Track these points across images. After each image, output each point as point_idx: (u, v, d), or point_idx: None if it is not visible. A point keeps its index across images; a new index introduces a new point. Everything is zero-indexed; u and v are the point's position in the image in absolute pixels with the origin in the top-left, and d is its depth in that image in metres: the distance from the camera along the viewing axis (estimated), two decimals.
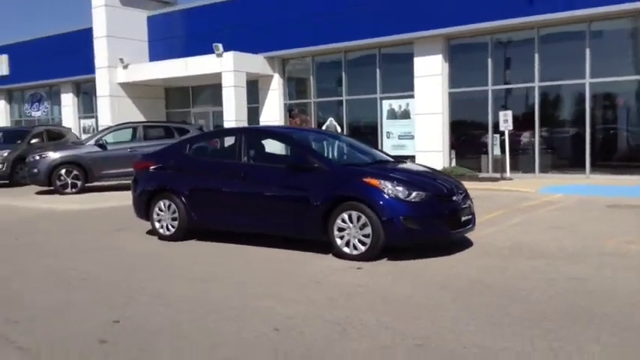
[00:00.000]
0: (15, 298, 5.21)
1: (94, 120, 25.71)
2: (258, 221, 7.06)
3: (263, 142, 7.70)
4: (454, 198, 6.57)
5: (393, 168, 6.99)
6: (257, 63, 19.30)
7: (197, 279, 5.78)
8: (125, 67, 21.43)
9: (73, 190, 14.30)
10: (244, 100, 18.87)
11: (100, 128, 21.79)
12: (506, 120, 14.72)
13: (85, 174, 14.48)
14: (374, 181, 6.34)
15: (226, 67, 18.55)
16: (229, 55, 18.45)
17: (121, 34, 21.76)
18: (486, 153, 16.24)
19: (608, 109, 15.09)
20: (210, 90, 22.17)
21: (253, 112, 19.81)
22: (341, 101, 18.58)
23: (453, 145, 16.72)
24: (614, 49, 14.46)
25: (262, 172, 7.16)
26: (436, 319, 4.36)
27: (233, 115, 18.51)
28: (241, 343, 3.94)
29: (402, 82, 17.12)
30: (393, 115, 17.50)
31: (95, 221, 10.07)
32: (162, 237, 7.89)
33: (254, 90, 19.92)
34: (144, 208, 8.07)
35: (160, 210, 7.88)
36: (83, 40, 23.40)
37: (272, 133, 8.15)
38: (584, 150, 14.66)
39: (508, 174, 14.97)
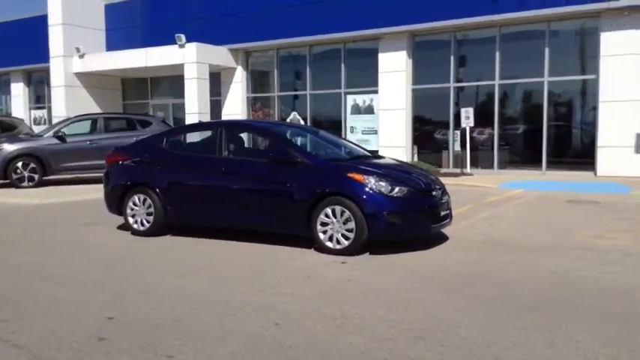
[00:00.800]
0: None
1: (45, 111, 24.99)
2: (240, 216, 7.05)
3: (243, 136, 7.67)
4: (433, 193, 6.72)
5: (374, 163, 7.07)
6: (220, 55, 19.13)
7: (183, 274, 5.74)
8: (81, 56, 20.89)
9: (30, 183, 13.88)
10: (207, 93, 18.70)
11: (53, 119, 21.23)
12: (467, 117, 15.07)
13: (43, 167, 14.06)
14: (358, 177, 6.42)
15: (189, 58, 18.32)
16: (192, 46, 18.23)
17: (77, 22, 21.21)
18: (447, 149, 16.59)
19: (564, 107, 15.65)
20: (170, 81, 21.87)
21: (215, 105, 19.64)
22: (305, 95, 18.62)
23: (416, 141, 16.99)
24: (571, 48, 15.02)
25: (244, 167, 7.13)
26: (429, 311, 4.47)
27: (196, 107, 18.31)
28: (245, 337, 3.95)
29: (366, 77, 17.31)
30: (357, 110, 17.64)
31: (60, 215, 9.83)
32: (135, 232, 7.77)
33: (216, 82, 19.77)
34: (117, 203, 7.94)
35: (135, 205, 7.76)
36: (35, 27, 22.70)
37: (253, 127, 8.13)
38: (540, 147, 15.16)
39: (468, 169, 15.34)
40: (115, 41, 21.94)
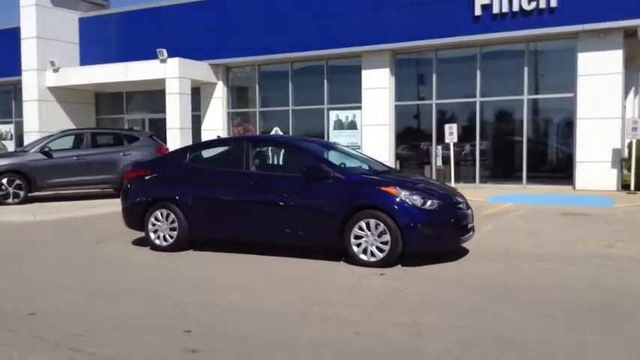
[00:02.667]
0: (56, 313, 5.02)
1: (12, 125, 24.35)
2: (270, 230, 7.14)
3: (270, 151, 7.78)
4: (460, 206, 6.99)
5: (402, 177, 7.30)
6: (201, 70, 19.13)
7: (232, 287, 5.81)
8: (56, 70, 20.50)
9: (16, 200, 13.54)
10: (189, 108, 18.64)
11: (25, 135, 20.75)
12: (451, 132, 15.51)
13: (29, 183, 13.76)
14: (392, 190, 6.63)
15: (171, 73, 18.25)
16: (174, 61, 18.18)
17: (50, 35, 20.83)
18: (429, 163, 17.01)
19: (543, 124, 16.30)
20: (146, 96, 21.69)
21: (195, 120, 19.56)
22: (287, 111, 18.77)
23: (398, 156, 17.36)
24: (550, 67, 15.68)
25: (274, 181, 7.24)
26: (495, 318, 4.69)
27: (178, 122, 18.23)
28: (335, 347, 4.08)
29: (349, 93, 17.60)
30: (340, 125, 17.91)
31: (63, 232, 9.70)
32: (156, 248, 7.76)
33: (196, 97, 19.70)
34: (137, 218, 7.91)
35: (157, 220, 7.76)
36: (4, 40, 22.21)
37: (282, 142, 8.25)
38: (521, 162, 15.73)
39: (452, 184, 15.75)
40: (89, 55, 21.64)
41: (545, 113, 16.14)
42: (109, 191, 15.41)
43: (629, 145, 14.23)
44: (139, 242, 8.46)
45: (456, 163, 16.06)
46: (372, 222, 6.58)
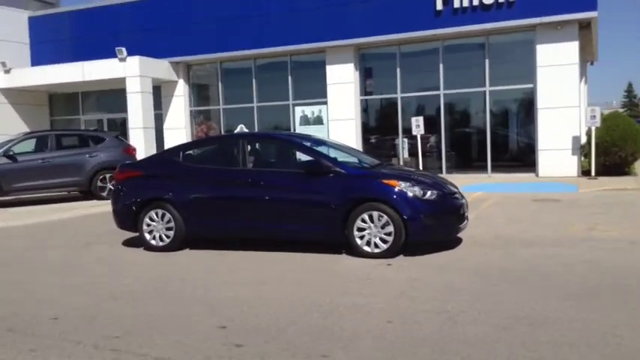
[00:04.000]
0: (79, 317, 4.93)
1: None
2: (271, 226, 7.18)
3: (266, 148, 7.80)
4: (456, 195, 7.21)
5: (399, 170, 7.46)
6: (161, 68, 18.87)
7: (248, 283, 5.83)
8: (7, 71, 19.80)
9: None
10: (151, 107, 18.37)
11: None
12: (418, 125, 15.84)
13: None
14: (393, 182, 6.78)
15: (131, 72, 17.93)
16: (134, 60, 17.86)
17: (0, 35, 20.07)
18: (396, 156, 17.31)
19: (505, 114, 16.83)
20: (103, 96, 21.21)
21: (157, 119, 19.27)
22: (252, 107, 18.72)
23: (365, 150, 17.58)
24: (510, 59, 16.20)
25: (273, 178, 7.27)
26: (515, 302, 4.89)
27: (140, 122, 17.94)
28: (374, 335, 4.19)
29: (314, 88, 17.72)
30: (306, 121, 18.01)
31: (46, 237, 9.44)
32: (152, 248, 7.69)
33: (157, 96, 19.40)
34: (131, 219, 7.80)
35: (152, 220, 7.68)
36: None
37: (278, 139, 8.26)
38: (485, 152, 16.23)
39: None
40: (41, 55, 21.02)
41: (506, 104, 16.69)
42: (75, 194, 15.05)
43: (588, 133, 14.88)
44: (128, 243, 8.36)
45: (423, 155, 16.41)
46: (375, 214, 6.72)
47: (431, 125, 16.68)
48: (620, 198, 11.35)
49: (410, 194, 6.71)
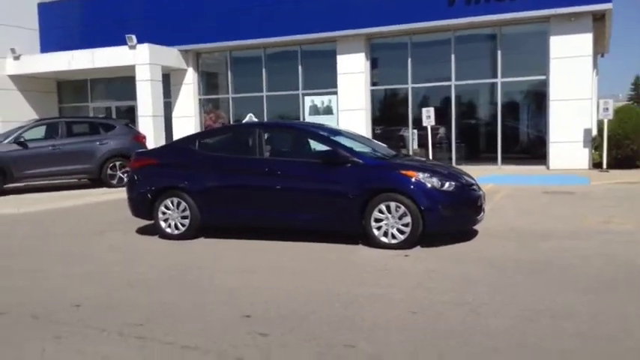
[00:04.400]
0: (100, 304, 4.94)
1: None
2: (287, 216, 7.17)
3: (283, 137, 7.78)
4: (474, 187, 7.18)
5: (416, 160, 7.43)
6: (171, 56, 18.82)
7: (267, 272, 5.84)
8: (17, 57, 19.78)
9: None
10: (161, 95, 18.35)
11: None
12: (428, 116, 15.79)
13: (4, 175, 13.32)
14: (411, 173, 6.76)
15: (141, 59, 17.88)
16: (144, 47, 17.81)
17: (8, 21, 20.01)
18: (405, 147, 17.27)
19: (517, 106, 16.76)
20: (112, 83, 21.18)
21: (166, 107, 19.24)
22: (261, 97, 18.67)
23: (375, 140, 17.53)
24: (523, 51, 16.10)
25: (290, 167, 7.25)
26: (534, 294, 4.88)
27: (150, 109, 17.92)
28: (398, 326, 4.19)
29: (324, 78, 17.65)
30: (315, 111, 17.96)
31: (59, 224, 9.48)
32: (166, 236, 7.70)
33: (166, 84, 19.35)
34: (146, 207, 7.81)
35: (167, 208, 7.68)
36: None
37: (295, 129, 8.22)
38: (495, 143, 16.17)
39: None
40: (50, 42, 20.97)
41: (518, 95, 16.63)
42: (84, 182, 15.07)
43: (600, 125, 14.80)
44: (142, 231, 8.38)
45: (433, 146, 16.36)
46: (393, 205, 6.70)
47: (441, 116, 16.61)
48: (633, 191, 11.30)
49: (428, 185, 6.69)
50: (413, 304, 4.69)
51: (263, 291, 5.17)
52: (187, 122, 19.59)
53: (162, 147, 8.35)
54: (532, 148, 16.41)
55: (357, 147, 7.95)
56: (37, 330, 4.33)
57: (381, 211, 6.75)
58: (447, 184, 6.78)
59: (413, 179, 6.71)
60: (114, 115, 20.92)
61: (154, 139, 17.18)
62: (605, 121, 14.26)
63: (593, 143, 15.32)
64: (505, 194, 11.39)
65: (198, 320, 4.44)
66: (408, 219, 6.65)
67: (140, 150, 8.81)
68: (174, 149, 8.01)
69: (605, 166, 14.26)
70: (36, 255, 7.15)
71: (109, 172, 14.33)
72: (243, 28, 17.92)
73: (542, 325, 4.15)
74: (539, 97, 16.03)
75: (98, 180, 14.43)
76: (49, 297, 5.22)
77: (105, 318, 4.55)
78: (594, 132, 15.43)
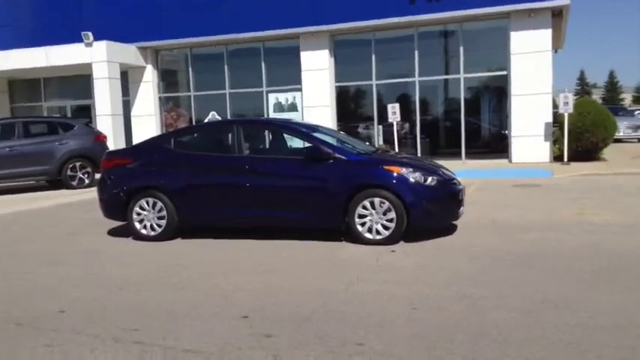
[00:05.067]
0: (88, 309, 4.71)
1: None
2: (269, 214, 7.04)
3: (263, 134, 7.63)
4: (454, 181, 7.20)
5: (397, 156, 7.40)
6: (128, 53, 18.35)
7: (256, 272, 5.69)
8: None
9: None
10: (119, 93, 17.87)
11: None
12: (394, 112, 15.85)
13: None
14: (394, 168, 6.72)
15: (98, 57, 17.38)
16: (102, 45, 17.31)
17: None
18: (370, 143, 17.27)
19: (479, 101, 17.00)
20: (67, 82, 20.50)
21: (124, 106, 18.75)
22: (224, 94, 18.40)
23: None
24: (484, 47, 16.34)
25: (271, 165, 7.12)
26: (529, 285, 4.91)
27: (108, 108, 17.43)
28: (404, 321, 4.13)
29: (288, 75, 17.53)
30: (280, 108, 17.81)
31: (27, 227, 9.07)
32: (142, 237, 7.45)
33: (124, 82, 18.85)
34: (119, 208, 7.54)
35: (142, 209, 7.44)
36: None
37: (274, 125, 8.06)
38: (459, 138, 16.36)
39: None
40: (1, 40, 20.09)
41: (480, 91, 16.86)
42: (41, 184, 14.54)
43: (560, 119, 15.15)
44: (115, 233, 8.11)
45: (398, 142, 16.44)
46: (377, 200, 6.65)
47: (405, 112, 16.71)
48: (597, 183, 11.59)
49: (412, 180, 6.66)
50: (414, 299, 4.65)
51: (256, 291, 5.04)
52: (147, 121, 19.16)
53: (135, 146, 8.06)
54: (494, 143, 16.69)
55: (337, 143, 7.88)
56: (24, 338, 4.09)
57: (365, 207, 6.69)
58: (429, 179, 6.77)
59: (396, 174, 6.67)
60: (69, 115, 20.28)
61: (113, 139, 16.72)
62: (566, 114, 14.60)
63: (553, 137, 15.68)
64: (476, 188, 11.51)
65: (195, 322, 4.28)
66: (392, 214, 6.61)
67: (112, 149, 8.49)
68: (149, 148, 7.75)
69: (566, 158, 14.60)
70: (7, 258, 6.80)
71: (69, 173, 13.88)
72: (204, 24, 17.60)
73: (545, 316, 4.16)
74: (500, 92, 16.31)
75: (58, 181, 13.93)
76: (30, 302, 4.96)
77: (96, 323, 4.34)
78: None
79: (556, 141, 15.88)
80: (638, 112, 27.76)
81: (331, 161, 6.84)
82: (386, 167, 6.78)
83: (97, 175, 13.99)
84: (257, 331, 4.06)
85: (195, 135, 8.10)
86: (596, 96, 73.41)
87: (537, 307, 4.36)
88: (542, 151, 15.35)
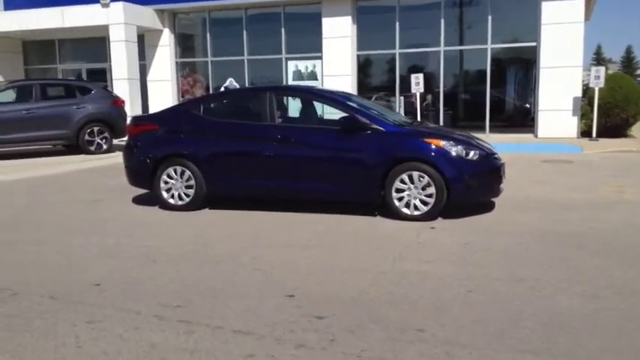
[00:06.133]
0: (124, 282, 4.51)
1: None
2: (303, 186, 6.77)
3: (296, 102, 7.33)
4: (496, 156, 6.90)
5: (437, 128, 7.10)
6: (145, 16, 17.93)
7: (292, 246, 5.48)
8: None
9: None
10: (136, 57, 17.51)
11: None
12: (417, 82, 15.42)
13: None
14: (435, 141, 6.43)
15: (115, 19, 16.96)
16: (119, 6, 16.88)
17: None
18: None
19: (506, 73, 16.53)
20: (82, 44, 20.15)
21: (140, 71, 18.37)
22: (242, 61, 18.01)
23: None
24: (513, 17, 15.79)
25: (305, 134, 6.83)
26: (587, 268, 4.65)
27: (125, 72, 17.10)
28: (462, 306, 3.89)
29: (308, 42, 17.09)
30: (299, 76, 17.42)
31: (49, 193, 8.91)
32: (169, 207, 7.23)
33: (140, 46, 18.45)
34: (146, 176, 7.31)
35: (170, 177, 7.21)
36: None
37: (308, 93, 7.72)
38: (484, 111, 15.96)
39: None
40: None
41: (507, 62, 16.41)
42: (58, 148, 14.33)
43: (590, 93, 14.72)
44: (139, 201, 7.92)
45: (421, 113, 16.08)
46: (416, 174, 6.37)
47: (428, 83, 16.29)
48: (630, 161, 11.26)
49: (453, 153, 6.38)
50: (466, 280, 4.40)
51: (297, 268, 4.81)
52: (163, 87, 18.83)
53: (162, 111, 7.77)
54: (519, 116, 16.28)
55: (372, 113, 7.58)
56: (62, 313, 3.88)
57: (403, 181, 6.42)
58: (471, 153, 6.48)
59: (437, 147, 6.38)
60: (85, 78, 19.96)
61: (130, 104, 16.40)
62: (596, 89, 14.16)
63: (581, 111, 15.27)
64: (505, 163, 11.17)
65: (239, 301, 4.06)
66: (431, 189, 6.34)
67: (138, 115, 8.22)
68: (177, 114, 7.48)
69: (594, 134, 14.21)
70: (32, 226, 6.63)
71: (87, 137, 13.64)
72: None
73: (612, 303, 3.91)
74: (528, 64, 15.85)
75: (75, 146, 13.72)
76: (63, 274, 4.77)
77: (136, 298, 4.13)
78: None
79: (583, 116, 15.46)
80: None
81: (369, 132, 6.55)
82: (426, 140, 6.48)
83: (115, 141, 13.88)
84: (307, 311, 3.84)
85: (225, 101, 7.80)
86: (611, 71, 72.25)
87: (600, 293, 4.11)
88: (569, 126, 14.95)
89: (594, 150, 12.68)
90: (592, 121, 14.38)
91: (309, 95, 7.53)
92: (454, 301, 3.99)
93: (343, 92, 8.06)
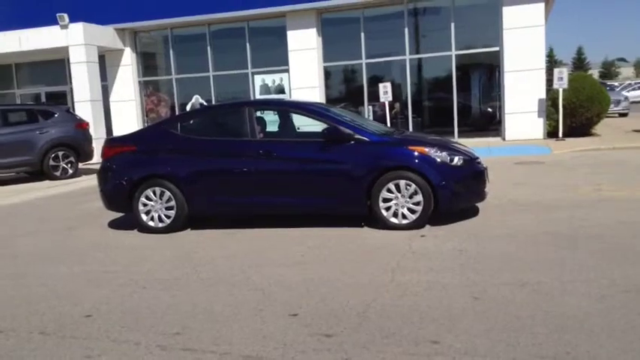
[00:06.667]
0: (115, 312, 4.29)
1: None
2: (289, 200, 6.65)
3: (276, 116, 7.20)
4: (479, 160, 6.91)
5: (419, 135, 7.07)
6: (106, 35, 17.60)
7: (286, 264, 5.33)
8: None
9: None
10: (98, 77, 17.14)
11: None
12: (385, 92, 15.50)
13: None
14: (420, 149, 6.39)
15: (75, 40, 16.61)
16: (78, 27, 16.53)
17: None
18: None
19: (469, 79, 16.73)
20: (40, 67, 19.63)
21: (102, 91, 17.98)
22: (207, 77, 17.80)
23: None
24: (475, 23, 16.01)
25: (288, 148, 6.72)
26: (587, 269, 4.64)
27: (87, 94, 16.71)
28: (473, 314, 3.81)
29: (274, 56, 17.02)
30: (266, 90, 17.31)
31: (19, 222, 8.54)
32: (149, 230, 7.00)
33: (101, 67, 18.08)
34: (124, 199, 7.07)
35: (149, 199, 6.98)
36: None
37: (288, 105, 7.62)
38: (452, 116, 16.11)
39: None
40: None
41: (472, 68, 16.58)
42: (21, 175, 13.87)
43: (554, 95, 14.99)
44: (116, 225, 7.67)
45: (390, 121, 16.11)
46: (403, 183, 6.32)
47: (396, 91, 16.38)
48: (598, 158, 11.46)
49: (438, 160, 6.35)
50: (469, 288, 4.34)
51: (295, 285, 4.68)
52: (127, 107, 18.47)
53: (137, 131, 7.56)
54: (486, 120, 16.47)
55: (355, 124, 7.51)
56: (55, 349, 3.66)
57: (389, 191, 6.36)
58: (455, 159, 6.46)
59: (422, 155, 6.34)
60: (44, 102, 19.42)
61: (93, 126, 16.02)
62: (560, 90, 14.43)
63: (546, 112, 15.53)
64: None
65: (241, 323, 3.91)
66: (419, 197, 6.29)
67: (112, 136, 7.97)
68: (153, 134, 7.27)
69: (560, 135, 14.47)
70: (11, 258, 6.29)
71: (52, 163, 13.26)
72: (184, 2, 16.92)
73: (620, 303, 3.89)
74: (492, 69, 16.07)
75: (39, 172, 13.30)
76: (51, 307, 4.51)
77: (133, 328, 3.93)
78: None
79: (547, 117, 15.72)
80: (618, 87, 27.94)
81: (352, 142, 6.47)
82: (411, 147, 6.44)
83: (81, 165, 13.51)
84: (314, 330, 3.71)
85: (202, 118, 7.62)
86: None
87: (607, 291, 4.09)
88: (536, 127, 15.20)
89: (563, 150, 12.89)
90: (557, 122, 14.63)
91: (289, 108, 7.43)
92: (463, 310, 3.91)
93: (319, 103, 7.98)
